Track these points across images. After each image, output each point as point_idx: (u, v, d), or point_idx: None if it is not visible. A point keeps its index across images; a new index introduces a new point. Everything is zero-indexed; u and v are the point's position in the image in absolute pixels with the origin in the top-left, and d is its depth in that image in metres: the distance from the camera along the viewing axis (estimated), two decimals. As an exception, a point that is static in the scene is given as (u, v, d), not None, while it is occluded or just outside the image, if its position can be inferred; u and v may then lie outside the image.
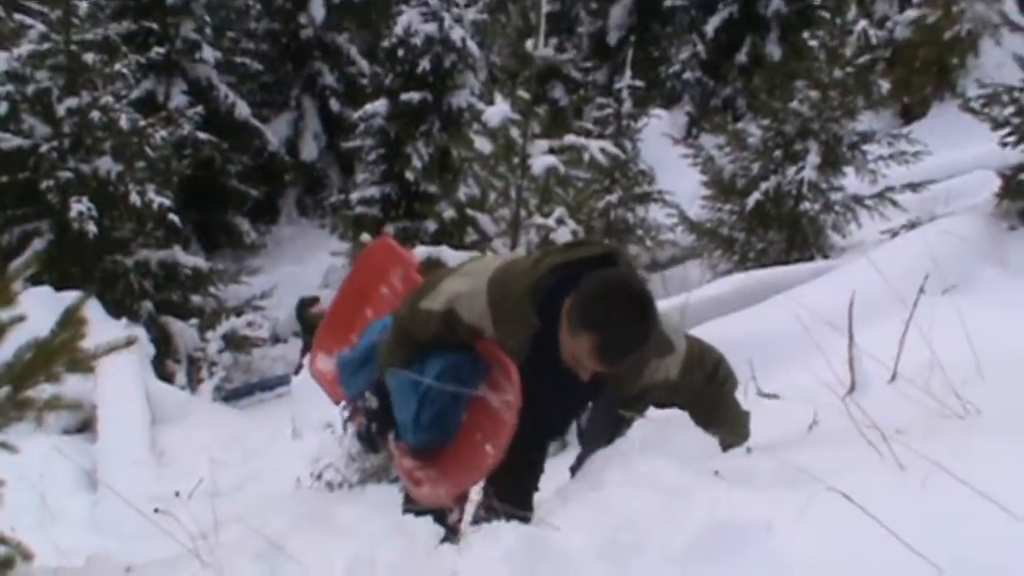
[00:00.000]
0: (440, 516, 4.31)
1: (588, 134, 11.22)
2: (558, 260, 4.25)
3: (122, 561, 5.00)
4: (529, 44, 10.72)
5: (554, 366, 4.21)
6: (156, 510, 6.99)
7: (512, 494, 4.42)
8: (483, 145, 14.51)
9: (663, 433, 4.23)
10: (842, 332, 5.29)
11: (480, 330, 4.34)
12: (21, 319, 3.85)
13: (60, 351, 3.80)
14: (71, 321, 3.90)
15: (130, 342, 4.76)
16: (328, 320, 5.81)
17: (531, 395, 4.22)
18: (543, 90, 27.93)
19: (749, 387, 5.52)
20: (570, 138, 9.52)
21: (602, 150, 9.57)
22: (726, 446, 4.39)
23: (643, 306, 4.14)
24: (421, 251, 9.13)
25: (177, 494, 9.80)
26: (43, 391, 4.05)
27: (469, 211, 8.82)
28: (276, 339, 24.92)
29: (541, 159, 8.93)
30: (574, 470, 4.66)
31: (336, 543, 4.07)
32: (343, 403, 5.40)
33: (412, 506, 4.52)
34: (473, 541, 3.54)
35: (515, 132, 9.16)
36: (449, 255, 8.36)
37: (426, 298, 4.46)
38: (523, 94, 9.50)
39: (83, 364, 3.83)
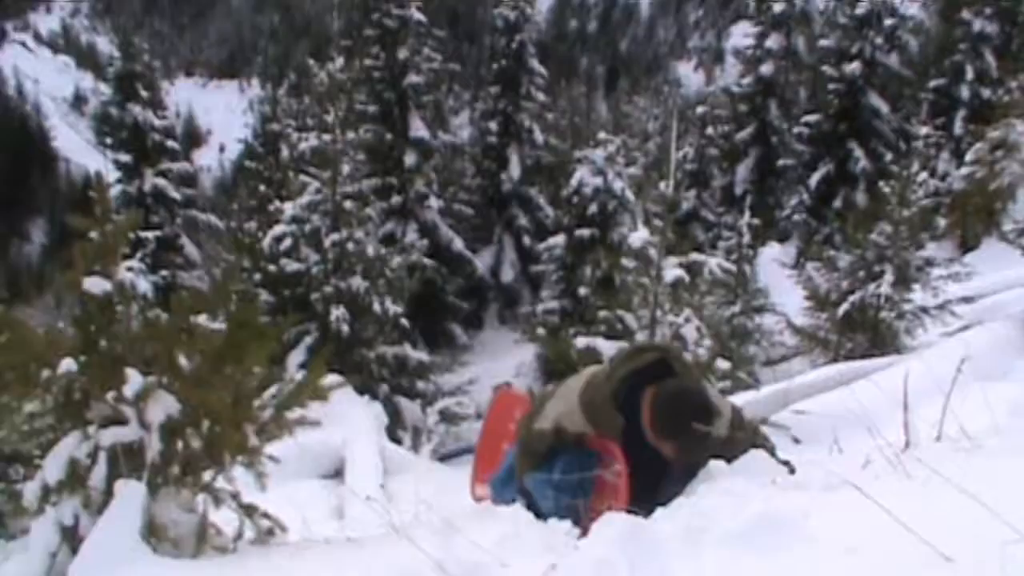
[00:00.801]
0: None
1: (710, 253, 11.50)
2: (624, 372, 4.45)
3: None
4: (662, 185, 11.16)
5: (641, 444, 4.34)
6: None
7: None
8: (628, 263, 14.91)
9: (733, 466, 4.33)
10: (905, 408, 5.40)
11: (583, 434, 4.43)
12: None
13: (308, 387, 4.12)
14: (315, 368, 4.21)
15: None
16: (478, 457, 5.79)
17: (632, 467, 4.30)
18: (685, 230, 28.05)
19: (832, 448, 5.47)
20: (693, 255, 9.84)
21: (718, 265, 9.85)
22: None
23: (704, 410, 4.35)
24: (581, 341, 9.41)
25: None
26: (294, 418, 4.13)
27: (619, 311, 9.08)
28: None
29: (671, 271, 9.24)
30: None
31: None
32: None
33: None
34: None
35: (652, 251, 9.48)
36: (602, 345, 8.64)
37: (537, 421, 4.56)
38: (658, 222, 9.86)
39: (322, 393, 4.11)
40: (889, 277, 14.80)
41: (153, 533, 3.60)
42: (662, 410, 4.30)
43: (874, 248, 15.13)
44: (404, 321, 20.05)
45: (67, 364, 3.54)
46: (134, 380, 3.58)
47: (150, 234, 26.25)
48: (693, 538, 3.14)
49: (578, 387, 4.54)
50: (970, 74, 28.04)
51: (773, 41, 31.78)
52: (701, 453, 4.40)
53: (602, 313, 14.24)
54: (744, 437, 4.68)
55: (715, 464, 4.33)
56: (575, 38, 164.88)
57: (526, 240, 34.04)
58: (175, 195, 29.35)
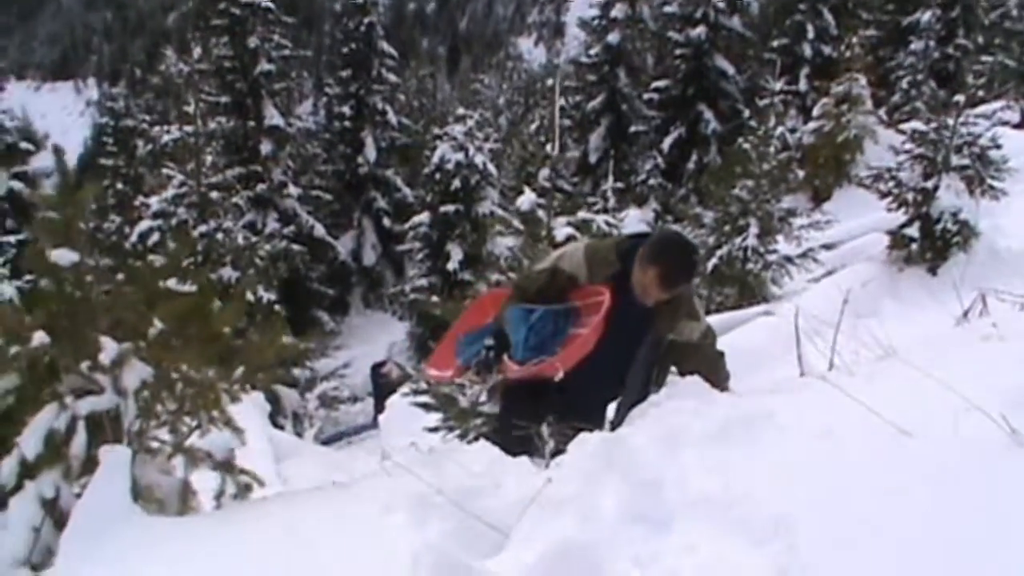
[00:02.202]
0: (524, 451, 4.21)
1: (605, 211, 11.67)
2: (630, 236, 5.01)
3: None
4: (548, 147, 11.35)
5: (628, 301, 4.63)
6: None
7: (588, 413, 4.61)
8: (504, 240, 15.01)
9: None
10: (788, 350, 5.60)
11: (576, 277, 4.76)
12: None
13: (273, 346, 4.20)
14: (274, 327, 4.28)
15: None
16: (446, 338, 5.79)
17: (612, 319, 4.53)
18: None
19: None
20: (582, 214, 9.97)
21: (605, 222, 10.02)
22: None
23: (691, 250, 4.85)
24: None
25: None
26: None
27: (511, 274, 9.19)
28: (355, 399, 25.22)
29: (562, 230, 9.36)
30: (615, 425, 4.79)
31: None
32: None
33: (498, 439, 4.53)
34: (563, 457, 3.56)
35: (540, 213, 9.61)
36: None
37: (537, 264, 5.06)
38: (545, 183, 10.02)
39: (289, 351, 4.19)
40: (754, 229, 15.19)
41: (139, 495, 3.64)
42: (655, 239, 4.73)
43: (737, 203, 15.51)
44: (277, 308, 19.88)
45: (39, 337, 3.56)
46: (109, 348, 3.61)
47: (10, 238, 25.45)
48: (670, 442, 3.31)
49: (585, 241, 5.19)
50: (811, 32, 28.90)
51: (618, 10, 32.12)
52: (673, 323, 4.79)
53: (483, 285, 14.32)
54: (712, 353, 4.99)
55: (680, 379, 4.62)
56: (414, 19, 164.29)
57: (386, 222, 34.03)
58: (34, 200, 28.44)
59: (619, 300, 4.61)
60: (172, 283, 3.91)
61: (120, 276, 3.84)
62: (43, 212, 3.69)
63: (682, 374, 4.90)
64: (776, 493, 2.68)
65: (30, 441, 3.60)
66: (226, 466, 4.07)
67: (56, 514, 3.67)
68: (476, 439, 5.50)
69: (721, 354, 5.07)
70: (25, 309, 3.72)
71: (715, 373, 4.85)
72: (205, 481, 4.10)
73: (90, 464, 3.70)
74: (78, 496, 3.69)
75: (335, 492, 3.83)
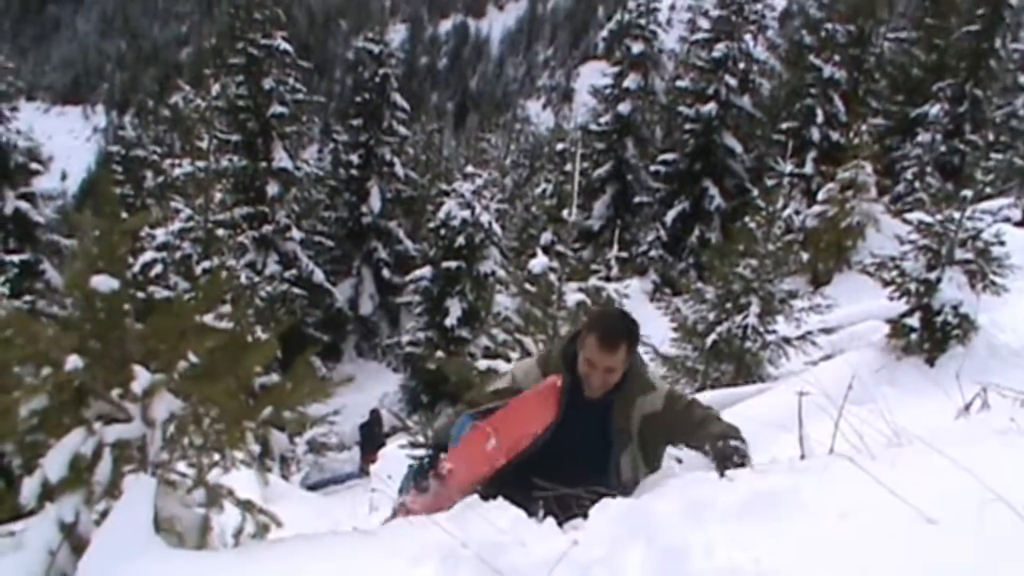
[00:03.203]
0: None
1: (607, 280, 11.74)
2: (573, 332, 4.91)
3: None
4: (565, 213, 11.49)
5: (581, 400, 4.61)
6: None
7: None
8: (504, 299, 15.06)
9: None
10: (785, 429, 5.60)
11: (519, 391, 4.71)
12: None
13: (307, 386, 4.23)
14: (300, 366, 4.30)
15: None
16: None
17: (565, 423, 4.57)
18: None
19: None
20: (593, 281, 10.06)
21: (615, 290, 10.12)
22: (728, 452, 4.46)
23: (623, 315, 4.88)
24: (482, 363, 9.56)
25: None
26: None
27: (518, 335, 9.25)
28: (343, 446, 25.22)
29: (573, 296, 9.44)
30: None
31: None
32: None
33: None
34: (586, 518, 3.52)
35: (551, 276, 9.69)
36: (503, 365, 8.77)
37: (492, 384, 4.90)
38: (561, 248, 10.10)
39: (323, 391, 4.25)
40: (755, 308, 15.24)
41: (159, 527, 3.66)
42: (592, 316, 5.01)
43: (740, 280, 15.57)
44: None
45: (73, 361, 3.58)
46: (142, 377, 3.64)
47: (13, 258, 25.46)
48: (696, 513, 3.31)
49: (531, 360, 4.95)
50: (820, 117, 29.20)
51: (631, 81, 32.54)
52: (629, 410, 4.68)
53: (482, 341, 14.42)
54: (692, 413, 4.78)
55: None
56: (425, 74, 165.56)
57: (385, 272, 34.19)
58: (38, 219, 28.47)
59: (572, 400, 4.62)
60: (207, 318, 3.94)
61: (154, 306, 3.87)
62: (86, 236, 3.72)
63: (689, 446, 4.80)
64: (804, 570, 2.70)
65: (54, 464, 3.61)
66: (247, 504, 4.09)
67: (74, 539, 3.68)
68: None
69: (706, 409, 4.89)
70: (60, 332, 3.74)
71: (705, 428, 4.70)
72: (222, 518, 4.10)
73: (111, 491, 3.72)
74: (97, 522, 3.71)
75: (358, 538, 3.84)
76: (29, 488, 3.70)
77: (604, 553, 3.06)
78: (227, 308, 17.90)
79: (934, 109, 29.30)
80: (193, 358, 3.82)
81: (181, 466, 3.96)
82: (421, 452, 5.50)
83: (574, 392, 4.63)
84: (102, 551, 3.47)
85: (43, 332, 3.62)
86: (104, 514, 3.70)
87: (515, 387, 4.77)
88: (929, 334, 10.96)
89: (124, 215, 3.98)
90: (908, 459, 3.31)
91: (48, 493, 3.71)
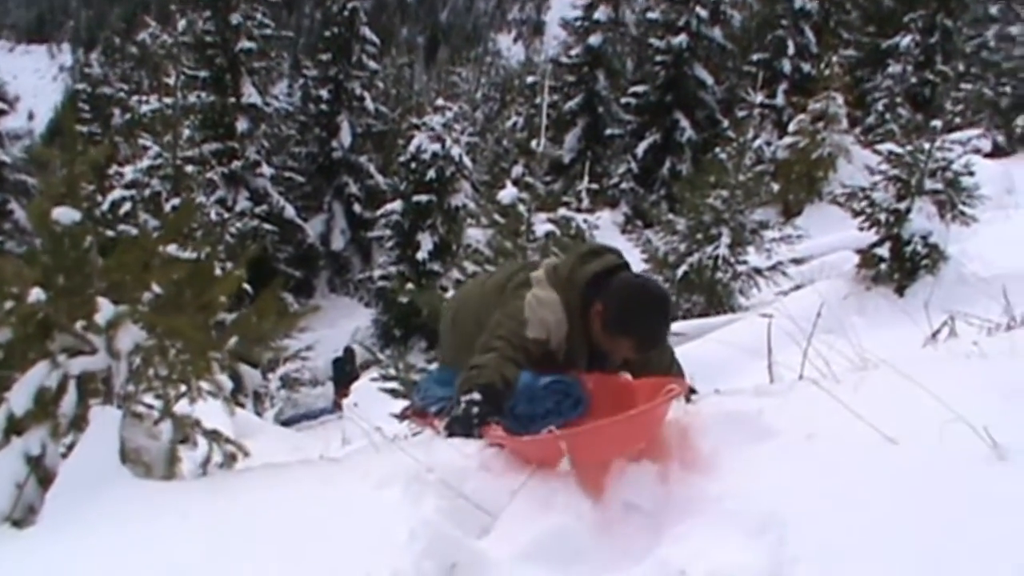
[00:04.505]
0: None
1: (578, 211, 11.65)
2: (590, 273, 4.08)
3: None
4: (533, 143, 11.41)
5: (583, 341, 4.12)
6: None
7: None
8: (475, 232, 15.03)
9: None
10: (756, 356, 5.59)
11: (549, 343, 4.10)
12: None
13: (269, 317, 4.22)
14: (266, 299, 4.28)
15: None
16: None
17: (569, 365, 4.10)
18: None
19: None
20: (562, 211, 10.03)
21: (585, 220, 10.09)
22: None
23: (666, 307, 4.16)
24: (451, 294, 9.54)
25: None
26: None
27: (488, 267, 9.20)
28: (316, 382, 25.21)
29: (542, 226, 9.40)
30: None
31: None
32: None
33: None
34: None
35: (520, 207, 9.65)
36: None
37: (530, 328, 4.03)
38: (530, 180, 10.06)
39: (290, 324, 4.22)
40: (726, 239, 15.24)
41: (126, 458, 3.66)
42: (625, 305, 4.00)
43: (711, 211, 15.56)
44: (246, 287, 19.82)
45: (35, 294, 3.56)
46: (105, 309, 3.62)
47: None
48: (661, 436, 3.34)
49: (550, 293, 4.12)
50: (791, 48, 29.10)
51: (601, 13, 32.26)
52: (655, 357, 4.26)
53: (453, 274, 14.38)
54: (666, 364, 4.46)
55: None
56: (395, 7, 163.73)
57: (357, 207, 34.04)
58: (4, 158, 28.14)
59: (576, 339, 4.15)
60: (171, 249, 3.92)
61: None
62: (49, 170, 3.69)
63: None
64: (765, 490, 2.73)
65: (19, 397, 3.60)
66: (214, 434, 4.10)
67: (40, 472, 3.67)
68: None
69: (674, 357, 4.56)
70: (23, 265, 3.71)
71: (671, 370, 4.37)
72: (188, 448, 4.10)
73: (77, 424, 3.71)
74: (63, 455, 3.70)
75: (325, 465, 3.85)
76: (-6, 421, 3.68)
77: (566, 477, 3.09)
78: (195, 242, 17.87)
79: (905, 40, 29.25)
80: (158, 290, 3.80)
81: (147, 398, 3.95)
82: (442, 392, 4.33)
83: (580, 333, 4.12)
84: (69, 483, 3.48)
85: (5, 265, 3.59)
86: (70, 447, 3.71)
87: (550, 341, 4.10)
88: (899, 264, 11.03)
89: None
90: (872, 383, 3.34)
91: (14, 426, 3.70)
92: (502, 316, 4.11)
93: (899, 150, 11.28)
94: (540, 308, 4.05)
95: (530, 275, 4.28)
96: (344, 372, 23.52)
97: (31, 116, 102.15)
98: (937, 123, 11.25)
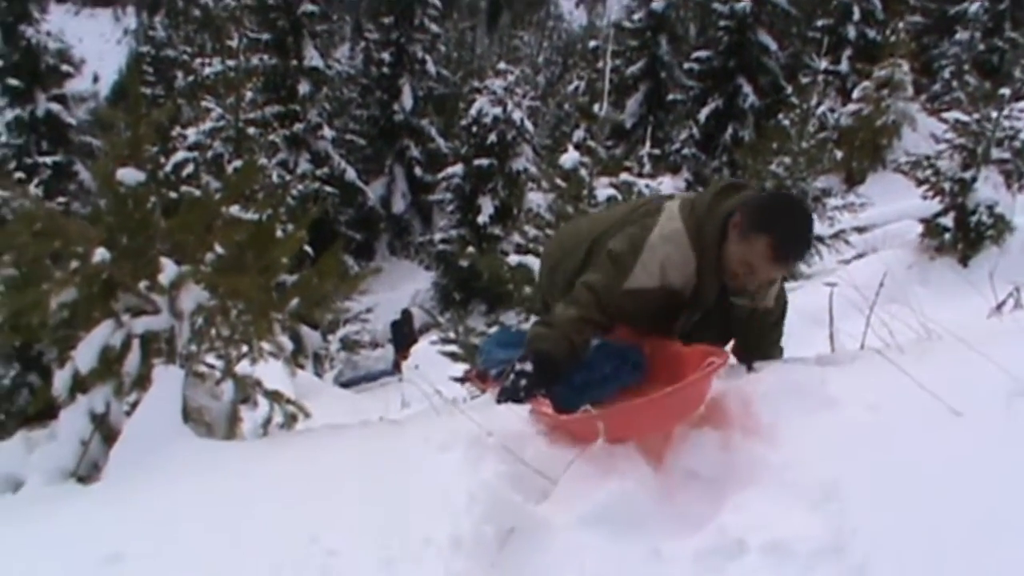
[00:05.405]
0: None
1: (639, 176, 11.60)
2: (730, 207, 3.66)
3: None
4: (596, 108, 11.35)
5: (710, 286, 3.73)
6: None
7: None
8: (536, 197, 14.98)
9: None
10: (818, 324, 5.53)
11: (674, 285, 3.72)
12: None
13: (331, 279, 4.23)
14: (328, 261, 4.30)
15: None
16: None
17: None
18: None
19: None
20: (624, 176, 9.97)
21: (646, 186, 10.02)
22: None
23: (807, 212, 3.80)
24: (514, 259, 9.50)
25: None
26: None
27: (549, 231, 9.17)
28: (375, 344, 25.32)
29: (604, 191, 9.35)
30: None
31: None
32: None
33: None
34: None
35: (582, 171, 9.59)
36: (533, 262, 8.69)
37: (632, 277, 3.67)
38: (592, 144, 10.00)
39: (352, 286, 4.23)
40: (787, 206, 15.12)
41: (188, 417, 3.69)
42: (763, 205, 3.65)
43: (773, 178, 15.43)
44: (307, 249, 19.93)
45: (100, 253, 3.59)
46: (169, 269, 3.64)
47: (46, 159, 25.48)
48: (717, 404, 3.31)
49: (680, 229, 3.70)
50: (857, 14, 28.62)
51: (665, -23, 32.03)
52: (765, 294, 3.89)
53: (514, 238, 14.36)
54: (774, 330, 4.17)
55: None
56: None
57: (417, 171, 34.04)
58: (70, 120, 28.38)
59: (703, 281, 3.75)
60: (234, 210, 3.93)
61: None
62: (113, 131, 3.71)
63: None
64: (827, 460, 2.69)
65: (84, 355, 3.64)
66: (275, 395, 4.12)
67: (105, 429, 3.72)
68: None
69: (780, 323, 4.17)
70: (88, 225, 3.74)
71: (768, 350, 4.07)
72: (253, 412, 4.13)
73: (141, 383, 3.74)
74: (127, 413, 3.74)
75: (385, 428, 3.85)
76: (61, 380, 3.75)
77: (627, 445, 3.07)
78: (257, 203, 17.95)
79: (974, 6, 28.75)
80: (220, 250, 3.82)
81: (209, 358, 3.98)
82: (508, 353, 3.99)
83: (712, 267, 3.70)
84: (132, 441, 3.51)
85: (71, 226, 3.62)
86: (134, 405, 3.74)
87: (665, 284, 3.70)
88: (963, 234, 10.89)
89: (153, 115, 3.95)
90: (937, 354, 3.27)
91: (79, 385, 3.74)
92: (611, 250, 3.77)
93: (965, 118, 11.12)
94: (662, 244, 3.68)
95: (664, 203, 3.91)
96: (402, 335, 23.61)
97: (96, 79, 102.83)
98: (1005, 91, 11.07)
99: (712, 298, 3.79)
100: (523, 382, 3.54)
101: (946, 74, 27.90)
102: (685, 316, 3.87)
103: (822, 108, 18.13)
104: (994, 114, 10.79)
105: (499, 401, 3.57)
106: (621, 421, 3.14)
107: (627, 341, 3.92)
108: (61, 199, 26.19)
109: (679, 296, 3.76)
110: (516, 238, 15.62)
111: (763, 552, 2.41)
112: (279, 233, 10.67)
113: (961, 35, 28.55)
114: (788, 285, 11.86)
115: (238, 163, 18.42)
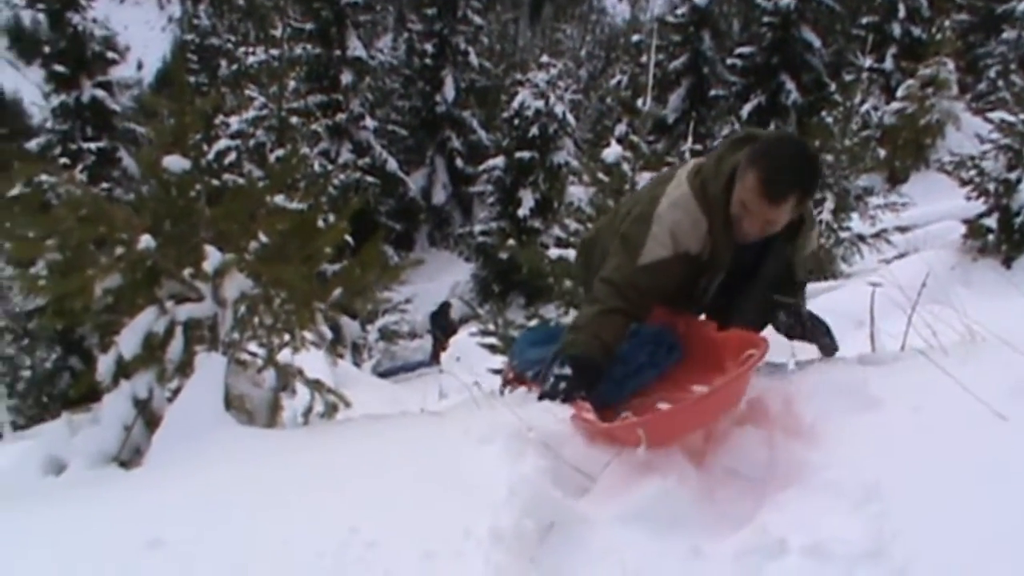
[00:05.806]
0: None
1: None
2: (738, 161, 3.55)
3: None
4: (639, 102, 11.34)
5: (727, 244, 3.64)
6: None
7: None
8: (577, 190, 14.94)
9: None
10: (859, 324, 5.50)
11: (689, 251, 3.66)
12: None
13: (375, 269, 4.24)
14: (370, 251, 4.30)
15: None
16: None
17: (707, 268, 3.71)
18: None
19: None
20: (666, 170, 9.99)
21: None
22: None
23: (803, 147, 3.64)
24: (554, 252, 9.52)
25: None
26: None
27: (590, 225, 9.15)
28: (414, 334, 25.38)
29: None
30: None
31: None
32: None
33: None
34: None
35: (624, 166, 9.58)
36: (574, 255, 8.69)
37: (645, 252, 3.64)
38: (635, 138, 9.98)
39: (394, 275, 4.24)
40: (830, 204, 15.06)
41: (230, 404, 3.71)
42: (758, 144, 3.53)
43: (815, 176, 15.34)
44: (348, 238, 20.00)
45: (145, 240, 3.61)
46: (213, 257, 3.66)
47: (91, 145, 25.63)
48: (758, 403, 3.32)
49: (687, 193, 3.67)
50: (902, 11, 28.39)
51: (708, -28, 31.92)
52: (802, 242, 3.84)
53: (554, 231, 14.39)
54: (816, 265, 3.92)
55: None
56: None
57: (459, 162, 34.09)
58: (114, 107, 28.52)
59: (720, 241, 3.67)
60: (277, 199, 3.95)
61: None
62: (159, 119, 3.73)
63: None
64: (868, 460, 2.68)
65: (128, 341, 3.67)
66: (316, 384, 4.13)
67: (147, 415, 3.74)
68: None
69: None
70: (133, 212, 3.77)
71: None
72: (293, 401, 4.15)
73: (183, 369, 3.76)
74: (170, 399, 3.77)
75: (425, 419, 3.86)
76: (105, 365, 3.77)
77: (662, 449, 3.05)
78: (300, 192, 18.02)
79: (1021, 5, 28.37)
80: (264, 239, 3.83)
81: (252, 346, 4.00)
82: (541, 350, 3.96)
83: (723, 224, 3.64)
84: (175, 427, 3.53)
85: (116, 212, 3.64)
86: (176, 391, 3.76)
87: (680, 251, 3.65)
88: (1007, 235, 10.79)
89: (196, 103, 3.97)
90: (981, 356, 3.24)
91: (123, 370, 3.77)
92: (623, 234, 3.76)
93: (1011, 118, 11.01)
94: (670, 212, 3.64)
95: (676, 171, 3.87)
96: (441, 326, 23.67)
97: (140, 66, 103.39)
98: (1054, 91, 10.98)
99: (728, 256, 3.71)
100: (562, 385, 3.52)
101: (992, 73, 27.62)
102: (706, 279, 3.82)
103: (865, 106, 17.95)
104: (1041, 114, 10.69)
105: (540, 399, 3.55)
106: (662, 427, 3.10)
107: (658, 324, 3.90)
108: (105, 185, 26.46)
109: (697, 260, 3.71)
110: (556, 231, 15.62)
111: (803, 554, 2.40)
112: (320, 223, 10.72)
113: (1008, 34, 28.23)
114: (830, 284, 11.76)
115: (280, 152, 18.53)
